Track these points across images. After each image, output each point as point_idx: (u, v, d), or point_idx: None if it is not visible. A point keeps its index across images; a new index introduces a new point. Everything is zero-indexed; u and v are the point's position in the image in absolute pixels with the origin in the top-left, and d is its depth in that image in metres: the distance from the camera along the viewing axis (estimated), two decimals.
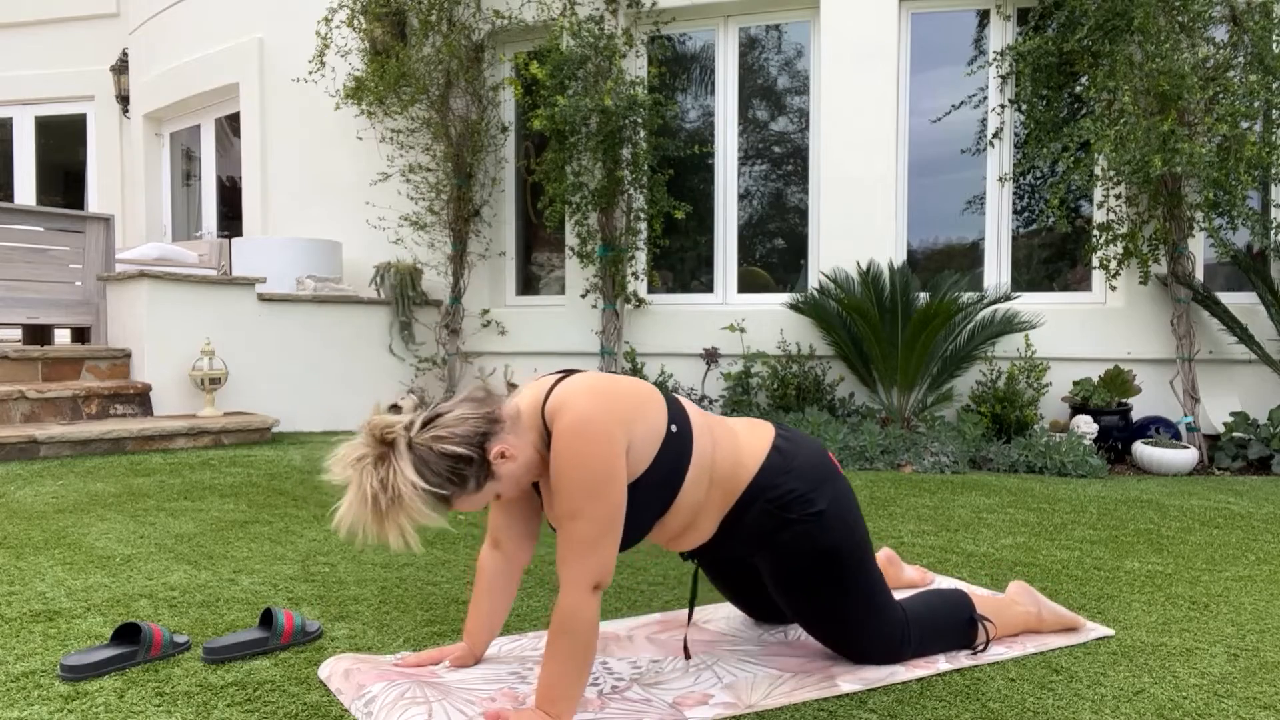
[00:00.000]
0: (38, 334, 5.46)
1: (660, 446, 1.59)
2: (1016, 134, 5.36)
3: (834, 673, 1.77)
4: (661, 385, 5.58)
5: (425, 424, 1.49)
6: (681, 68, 6.05)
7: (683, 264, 6.06)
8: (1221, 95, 4.58)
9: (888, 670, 1.78)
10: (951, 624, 1.86)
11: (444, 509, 1.51)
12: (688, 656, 1.84)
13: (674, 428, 1.62)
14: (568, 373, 1.65)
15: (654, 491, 1.60)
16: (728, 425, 1.79)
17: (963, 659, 1.84)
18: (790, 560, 1.72)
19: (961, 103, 5.44)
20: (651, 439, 1.58)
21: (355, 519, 1.45)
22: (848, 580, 1.73)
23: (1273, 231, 4.83)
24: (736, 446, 1.73)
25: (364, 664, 1.74)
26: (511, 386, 5.88)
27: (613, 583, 2.43)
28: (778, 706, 1.62)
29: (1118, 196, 4.97)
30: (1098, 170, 4.94)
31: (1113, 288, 5.15)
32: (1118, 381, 4.84)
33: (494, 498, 1.59)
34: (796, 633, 2.02)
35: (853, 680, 1.73)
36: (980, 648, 1.88)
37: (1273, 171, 4.62)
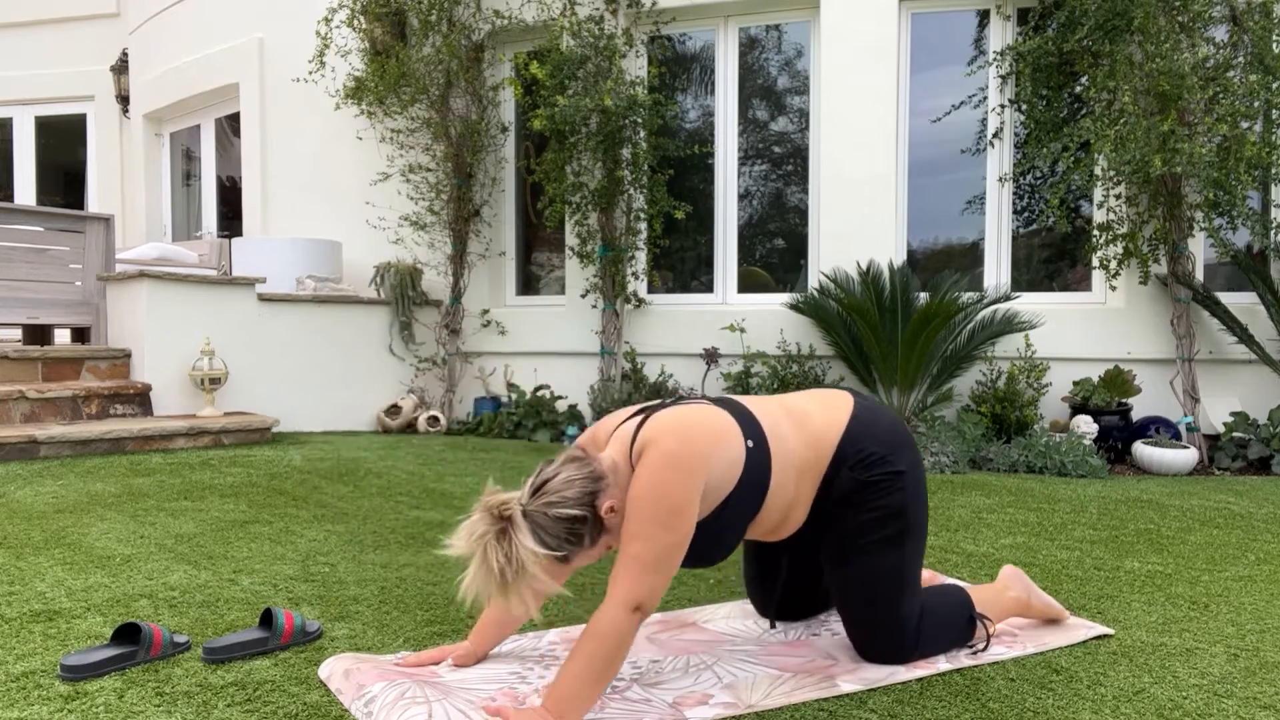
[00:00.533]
0: (38, 334, 5.46)
1: (743, 467, 1.68)
2: (1016, 134, 5.36)
3: (834, 673, 1.77)
4: (663, 384, 5.58)
5: (535, 492, 1.58)
6: (681, 68, 6.05)
7: (683, 264, 6.06)
8: (1221, 95, 4.58)
9: (888, 670, 1.78)
10: (953, 622, 1.87)
11: (564, 569, 1.61)
12: (772, 626, 1.98)
13: (750, 443, 1.70)
14: (644, 411, 1.73)
15: (741, 507, 1.69)
16: (800, 408, 1.85)
17: (963, 659, 1.85)
18: (861, 513, 1.78)
19: (961, 103, 5.44)
20: (733, 464, 1.67)
21: (482, 590, 1.53)
22: (904, 546, 1.79)
23: (1273, 231, 4.83)
24: (812, 429, 1.81)
25: (364, 663, 1.74)
26: (511, 386, 5.88)
27: None
28: (778, 707, 1.62)
29: (1118, 196, 4.97)
30: (1098, 170, 4.94)
31: (1113, 288, 5.15)
32: (1118, 381, 4.84)
33: (606, 549, 1.66)
34: (797, 633, 2.02)
35: (853, 680, 1.73)
36: (980, 647, 1.88)
37: (1273, 171, 4.62)
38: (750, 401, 1.82)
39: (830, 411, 1.84)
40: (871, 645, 1.82)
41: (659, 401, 1.75)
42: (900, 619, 1.80)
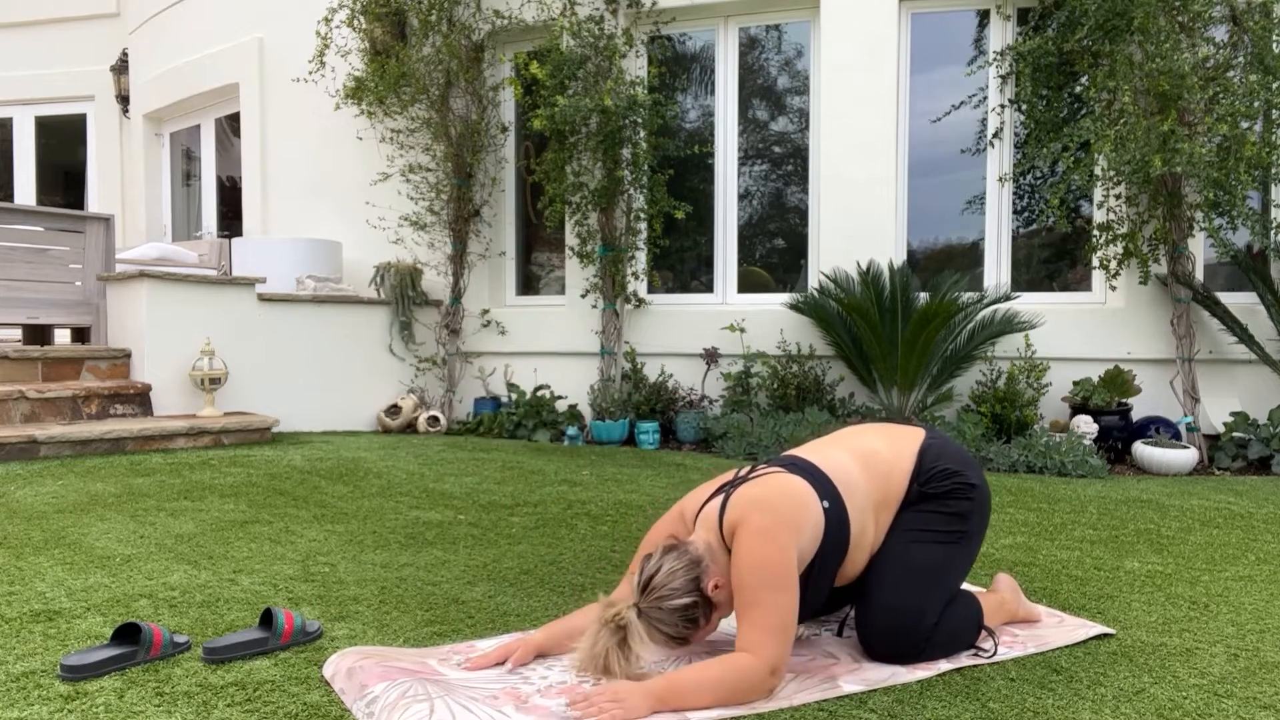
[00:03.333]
0: (38, 334, 5.46)
1: (824, 527, 1.78)
2: (1016, 134, 5.36)
3: (835, 672, 1.77)
4: (663, 384, 5.58)
5: (644, 590, 1.70)
6: (681, 68, 6.05)
7: (683, 264, 6.06)
8: (1221, 95, 4.58)
9: (889, 671, 1.78)
10: (965, 636, 1.89)
11: (683, 646, 1.76)
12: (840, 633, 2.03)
13: (826, 504, 1.80)
14: (725, 490, 1.82)
15: (828, 561, 1.80)
16: (867, 447, 1.95)
17: (963, 659, 1.85)
18: (927, 511, 1.88)
19: (961, 103, 5.44)
20: (817, 527, 1.77)
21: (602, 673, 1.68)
22: (955, 547, 1.87)
23: (1273, 231, 4.83)
24: (882, 466, 1.91)
25: (368, 660, 1.74)
26: (511, 386, 5.88)
27: (612, 583, 2.43)
28: (779, 709, 1.62)
29: (1118, 196, 4.97)
30: (1098, 170, 4.93)
31: (1113, 288, 5.15)
32: (1118, 381, 4.84)
33: (719, 620, 1.78)
34: (798, 631, 2.02)
35: (854, 680, 1.73)
36: (988, 654, 1.88)
37: (1273, 171, 4.62)
38: (818, 456, 1.90)
39: (899, 444, 1.95)
40: (886, 635, 1.80)
41: (734, 478, 1.86)
42: (922, 612, 1.80)
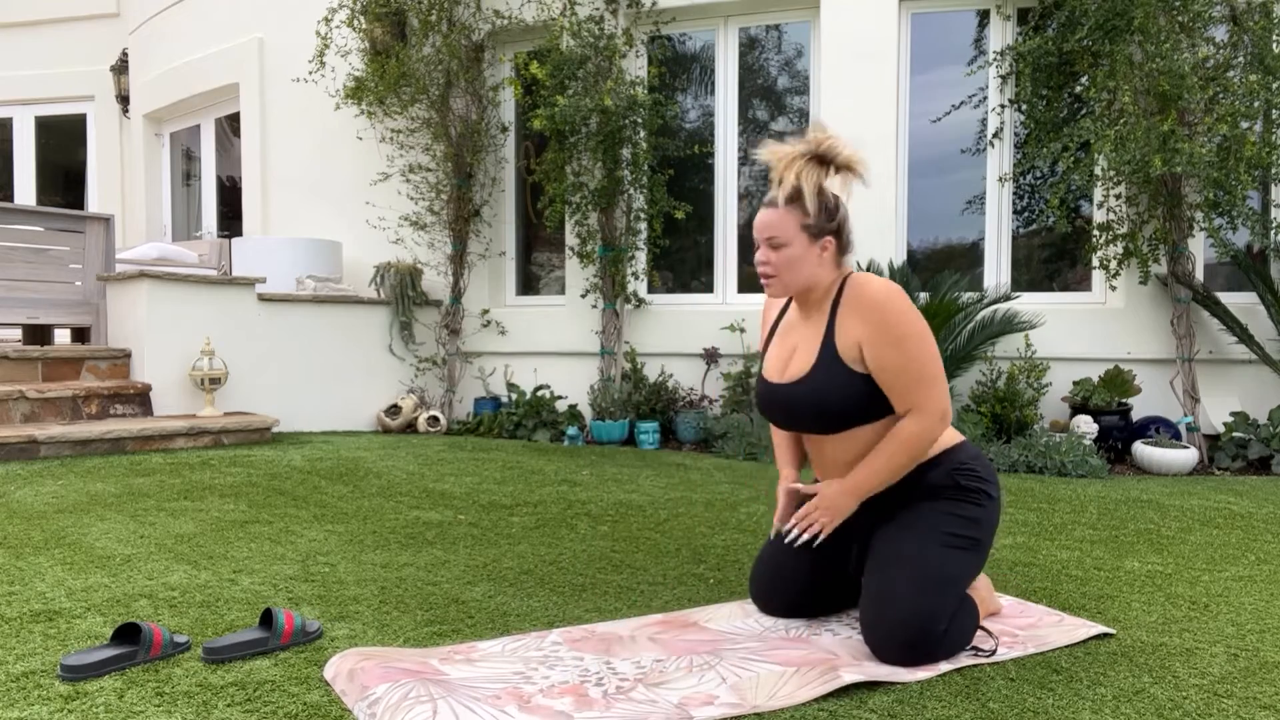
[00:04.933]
0: (38, 334, 5.46)
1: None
2: (1016, 134, 5.36)
3: (837, 664, 1.77)
4: (663, 384, 5.58)
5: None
6: (681, 68, 6.05)
7: (683, 264, 6.06)
8: (1221, 95, 4.58)
9: (889, 670, 1.78)
10: (968, 632, 1.88)
11: (810, 220, 1.94)
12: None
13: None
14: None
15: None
16: None
17: (963, 659, 1.85)
18: (946, 509, 1.92)
19: (961, 103, 5.44)
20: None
21: (785, 166, 1.92)
22: (968, 554, 1.91)
23: (1273, 231, 4.83)
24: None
25: (369, 661, 1.74)
26: (511, 386, 5.88)
27: (612, 582, 2.43)
28: (780, 708, 1.62)
29: (1118, 196, 4.97)
30: (1098, 170, 4.93)
31: (1113, 288, 5.15)
32: (1118, 381, 4.84)
33: (810, 268, 1.95)
34: (798, 630, 2.02)
35: (855, 671, 1.73)
36: (986, 653, 1.88)
37: (1273, 171, 4.62)
38: None
39: (951, 430, 2.08)
40: (896, 634, 1.78)
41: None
42: (933, 614, 1.79)
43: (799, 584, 2.08)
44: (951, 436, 2.00)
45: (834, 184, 1.93)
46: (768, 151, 1.94)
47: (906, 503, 1.96)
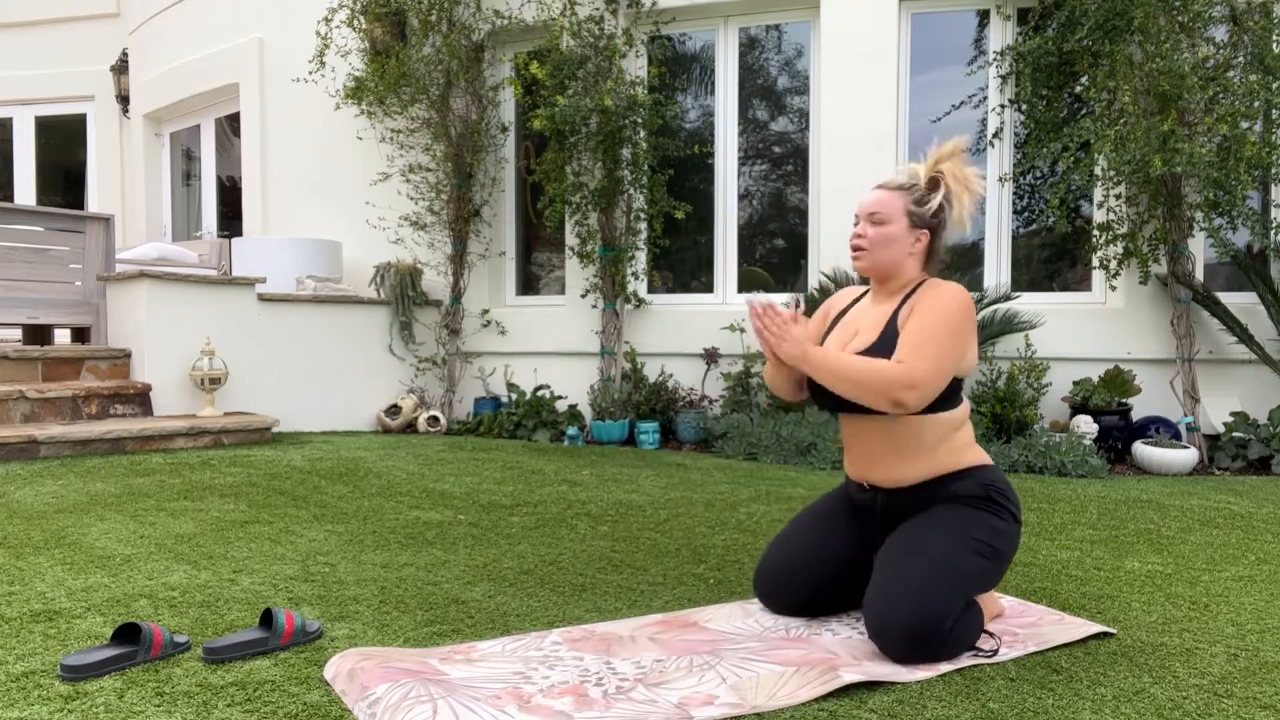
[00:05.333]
0: (38, 334, 5.46)
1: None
2: (1016, 134, 5.36)
3: (837, 664, 1.77)
4: (663, 384, 5.58)
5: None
6: (681, 68, 6.05)
7: (683, 264, 6.06)
8: (1221, 95, 4.58)
9: (890, 668, 1.78)
10: (973, 634, 1.88)
11: (916, 209, 2.04)
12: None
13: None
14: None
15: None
16: None
17: (963, 659, 1.85)
18: (972, 514, 1.95)
19: (961, 103, 5.44)
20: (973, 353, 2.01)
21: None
22: (985, 561, 1.91)
23: (1273, 231, 4.83)
24: (974, 442, 2.08)
25: (369, 661, 1.74)
26: (511, 386, 5.88)
27: (612, 582, 2.43)
28: (780, 708, 1.62)
29: (1118, 196, 4.97)
30: (1098, 170, 4.94)
31: (1113, 288, 5.16)
32: (1118, 381, 4.84)
33: (906, 251, 2.04)
34: (799, 630, 2.02)
35: (855, 671, 1.73)
36: (987, 653, 1.88)
37: (1273, 171, 4.62)
38: None
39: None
40: (916, 641, 1.77)
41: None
42: (942, 612, 1.79)
43: (807, 583, 2.09)
44: (980, 456, 2.03)
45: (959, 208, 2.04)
46: (928, 153, 2.09)
47: (932, 507, 1.99)
